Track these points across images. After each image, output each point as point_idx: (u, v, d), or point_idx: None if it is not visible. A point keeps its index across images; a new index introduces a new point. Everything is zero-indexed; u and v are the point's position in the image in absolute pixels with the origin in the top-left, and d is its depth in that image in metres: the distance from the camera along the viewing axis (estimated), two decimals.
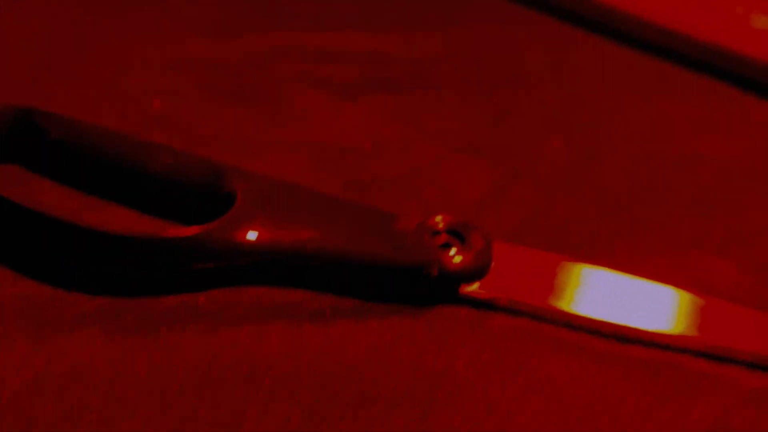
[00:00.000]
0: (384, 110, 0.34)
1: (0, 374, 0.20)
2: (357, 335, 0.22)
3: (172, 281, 0.23)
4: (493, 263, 0.24)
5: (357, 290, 0.24)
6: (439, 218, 0.25)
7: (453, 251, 0.24)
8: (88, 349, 0.21)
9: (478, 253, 0.24)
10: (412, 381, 0.21)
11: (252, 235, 0.24)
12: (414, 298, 0.24)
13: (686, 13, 0.39)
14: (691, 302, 0.24)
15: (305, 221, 0.25)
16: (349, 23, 0.40)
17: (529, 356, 0.22)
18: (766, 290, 0.25)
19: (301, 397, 0.20)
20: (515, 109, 0.34)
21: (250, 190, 0.25)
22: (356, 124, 0.33)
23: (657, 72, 0.38)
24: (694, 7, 0.39)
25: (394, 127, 0.33)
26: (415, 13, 0.41)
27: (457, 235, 0.24)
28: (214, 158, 0.29)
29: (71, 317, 0.22)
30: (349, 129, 0.32)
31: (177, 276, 0.23)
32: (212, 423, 0.20)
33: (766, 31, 0.37)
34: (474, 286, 0.24)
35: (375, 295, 0.24)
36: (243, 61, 0.36)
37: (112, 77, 0.34)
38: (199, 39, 0.37)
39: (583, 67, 0.38)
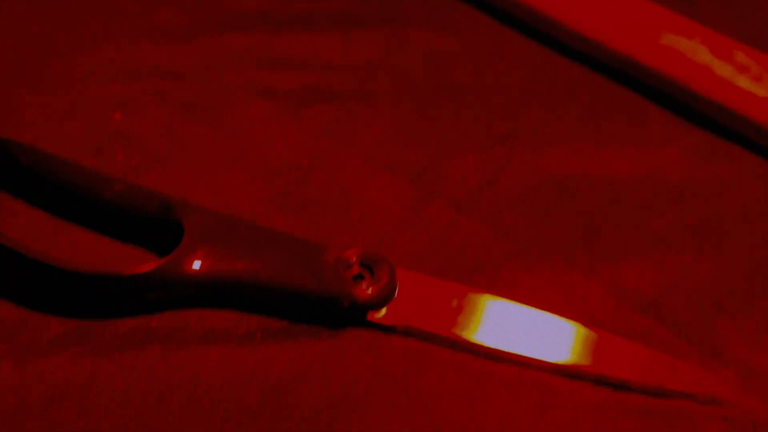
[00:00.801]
0: (321, 123, 0.38)
1: None
2: (280, 357, 0.28)
3: (128, 306, 0.28)
4: (397, 291, 0.29)
5: (283, 312, 0.29)
6: (352, 252, 0.29)
7: (363, 285, 0.29)
8: (62, 373, 0.26)
9: (383, 286, 0.29)
10: (322, 397, 0.27)
11: (196, 270, 0.28)
12: (330, 321, 0.29)
13: (604, 24, 0.43)
14: (556, 325, 0.29)
15: (242, 253, 0.29)
16: (295, 21, 0.43)
17: (419, 374, 0.28)
18: (626, 311, 0.31)
19: (233, 414, 0.26)
20: (441, 122, 0.39)
21: (195, 224, 0.30)
22: (296, 138, 0.37)
23: (579, 79, 0.42)
24: (611, 20, 0.43)
25: (329, 142, 0.37)
26: (359, 7, 0.44)
27: (368, 267, 0.29)
28: (167, 176, 0.34)
29: (45, 341, 0.27)
30: (288, 144, 0.37)
31: (133, 304, 0.28)
32: None
33: (672, 48, 0.41)
34: (379, 313, 0.29)
35: (298, 317, 0.29)
36: (195, 69, 0.40)
37: (73, 88, 0.38)
38: (154, 44, 0.41)
39: (511, 75, 0.42)
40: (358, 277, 0.29)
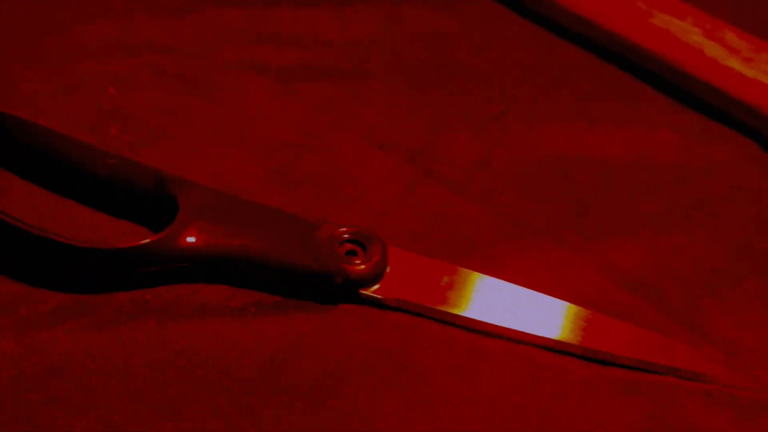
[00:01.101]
0: (317, 100, 0.38)
1: None
2: (274, 331, 0.28)
3: (123, 280, 0.29)
4: (389, 268, 0.30)
5: (277, 288, 0.29)
6: (345, 229, 0.30)
7: (356, 262, 0.29)
8: (60, 346, 0.27)
9: (375, 263, 0.29)
10: (316, 371, 0.27)
11: (191, 244, 0.29)
12: (323, 297, 0.29)
13: (598, 4, 0.43)
14: (545, 303, 0.30)
15: (236, 229, 0.30)
16: None
17: (410, 349, 0.28)
18: (615, 290, 0.31)
19: (229, 386, 0.26)
20: (436, 101, 0.39)
21: (189, 199, 0.30)
22: (291, 115, 0.37)
23: (574, 60, 0.42)
24: (605, 0, 0.43)
25: (324, 119, 0.37)
26: None
27: (360, 244, 0.30)
28: (162, 152, 0.34)
29: (44, 315, 0.28)
30: (284, 121, 0.37)
31: (129, 278, 0.29)
32: (159, 408, 0.26)
33: (664, 28, 0.41)
34: (371, 289, 0.29)
35: (291, 293, 0.29)
36: (191, 45, 0.40)
37: (69, 63, 0.38)
38: (150, 19, 0.41)
39: (506, 54, 0.42)
40: (351, 254, 0.30)
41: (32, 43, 0.38)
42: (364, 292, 0.29)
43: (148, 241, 0.28)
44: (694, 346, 0.29)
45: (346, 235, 0.30)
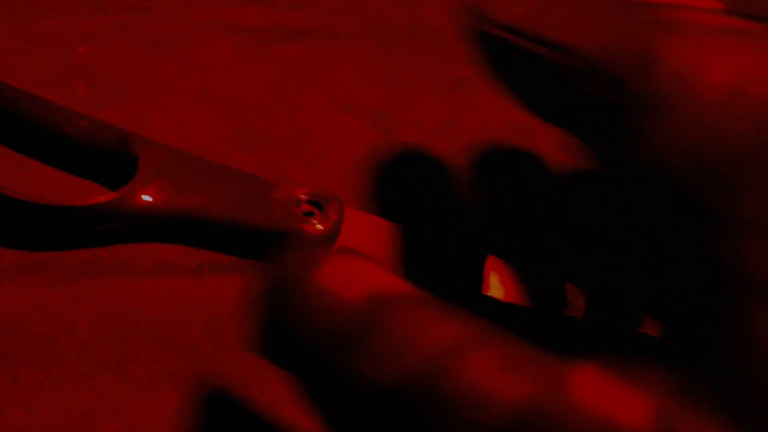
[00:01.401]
0: (287, 62, 0.38)
1: None
2: (227, 290, 0.28)
3: (79, 238, 0.29)
4: (345, 229, 0.30)
5: (233, 248, 0.30)
6: (303, 189, 0.30)
7: (312, 222, 0.29)
8: (12, 302, 0.27)
9: (332, 223, 0.29)
10: None
11: (148, 203, 0.29)
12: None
13: None
14: (494, 264, 0.30)
15: (194, 189, 0.30)
16: None
17: None
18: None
19: (175, 342, 0.27)
20: (406, 65, 0.39)
21: (149, 158, 0.30)
22: (259, 76, 0.37)
23: None
24: None
25: (292, 81, 0.37)
26: None
27: (317, 204, 0.30)
28: (129, 111, 0.34)
29: None
30: (252, 82, 0.37)
31: (84, 234, 0.29)
32: (104, 362, 0.26)
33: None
34: (328, 250, 0.29)
35: (248, 253, 0.29)
36: (161, 4, 0.40)
37: (37, 20, 0.37)
38: None
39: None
40: (308, 215, 0.30)
41: None
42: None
43: (105, 198, 0.28)
44: None
45: (303, 196, 0.30)
